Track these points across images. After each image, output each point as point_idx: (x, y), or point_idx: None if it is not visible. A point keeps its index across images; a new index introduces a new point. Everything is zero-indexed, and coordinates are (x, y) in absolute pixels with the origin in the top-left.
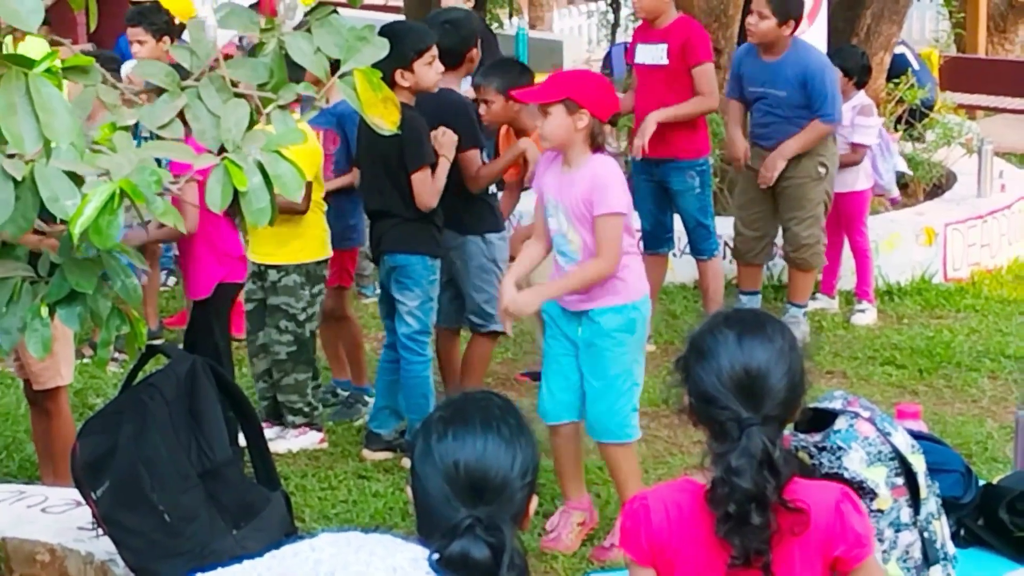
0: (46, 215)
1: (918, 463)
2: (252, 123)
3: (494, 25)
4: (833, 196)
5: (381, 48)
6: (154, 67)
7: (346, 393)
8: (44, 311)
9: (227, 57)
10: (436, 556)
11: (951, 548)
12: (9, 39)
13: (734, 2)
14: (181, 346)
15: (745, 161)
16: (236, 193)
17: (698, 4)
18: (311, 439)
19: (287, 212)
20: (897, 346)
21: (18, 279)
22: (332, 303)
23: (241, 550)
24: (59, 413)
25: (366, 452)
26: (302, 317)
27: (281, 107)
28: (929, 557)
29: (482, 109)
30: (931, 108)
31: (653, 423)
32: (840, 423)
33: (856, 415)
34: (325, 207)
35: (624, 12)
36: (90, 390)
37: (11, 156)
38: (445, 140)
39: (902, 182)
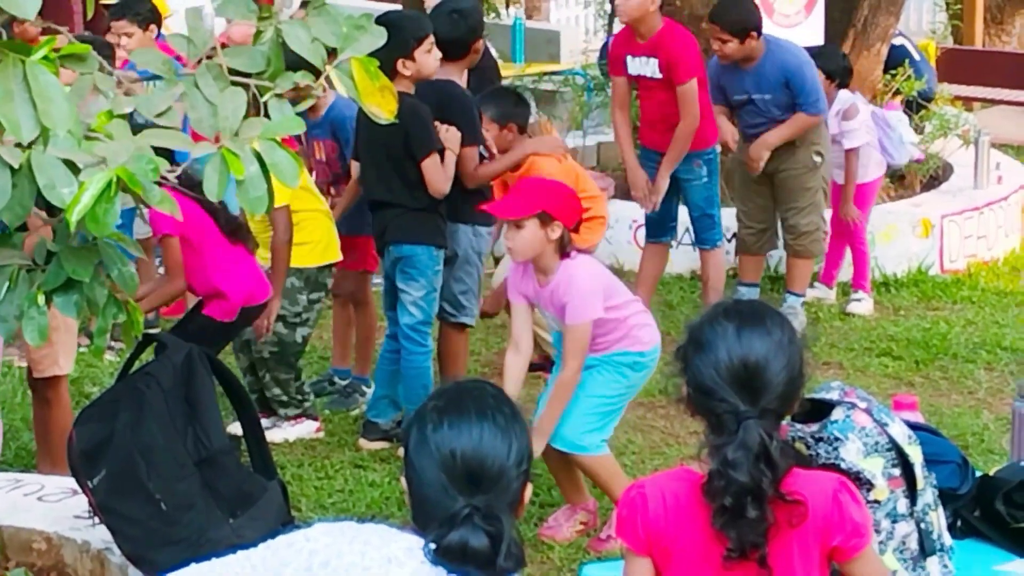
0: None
1: (915, 454)
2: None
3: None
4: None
5: (378, 36)
6: (151, 55)
7: (344, 382)
8: (41, 299)
9: (223, 46)
10: (433, 546)
11: (948, 539)
12: None
13: None
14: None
15: (747, 158)
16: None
17: (686, 4)
18: (307, 428)
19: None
20: (893, 337)
21: (15, 267)
22: (353, 286)
23: (237, 538)
24: (58, 402)
25: (363, 441)
26: (292, 320)
27: (278, 96)
28: (926, 548)
29: None
30: (930, 100)
31: (650, 414)
32: (837, 413)
33: (853, 406)
34: (330, 213)
35: None
36: (86, 379)
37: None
38: (449, 136)
39: (899, 173)
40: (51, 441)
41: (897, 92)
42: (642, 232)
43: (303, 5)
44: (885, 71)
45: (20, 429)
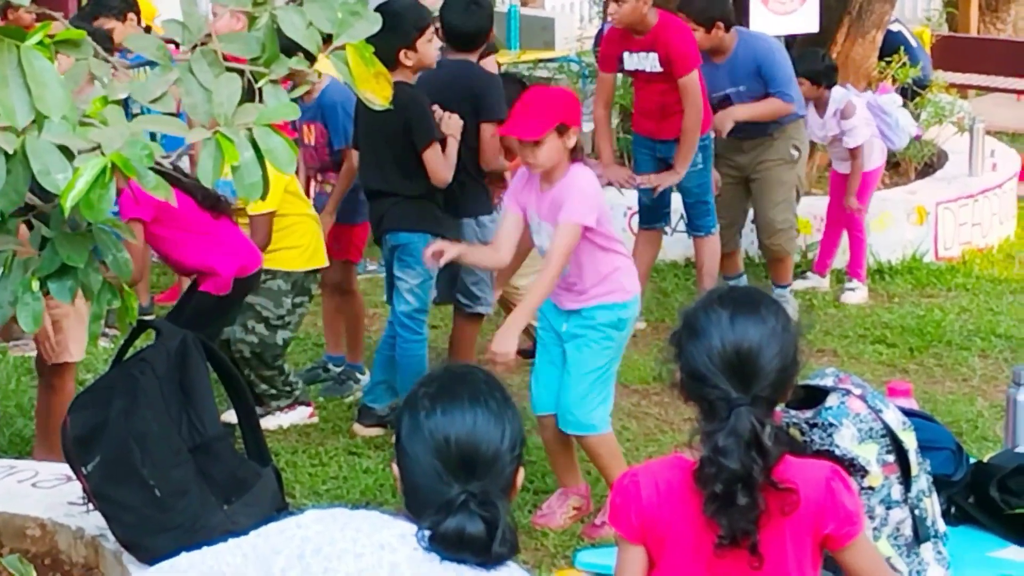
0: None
1: (909, 440)
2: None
3: None
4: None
5: (374, 22)
6: (145, 41)
7: (338, 369)
8: (35, 285)
9: None
10: (428, 532)
11: (942, 525)
12: None
13: None
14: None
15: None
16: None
17: None
18: (301, 414)
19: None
20: (888, 325)
21: (9, 253)
22: (338, 276)
23: (232, 525)
24: (63, 388)
25: (357, 427)
26: (275, 323)
27: (273, 81)
28: (920, 534)
29: None
30: (925, 87)
31: (644, 401)
32: (831, 400)
33: (847, 392)
34: (317, 218)
35: None
36: (81, 365)
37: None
38: (451, 122)
39: (894, 160)
40: (51, 428)
41: (892, 79)
42: (636, 220)
43: None
44: (881, 58)
45: (14, 416)
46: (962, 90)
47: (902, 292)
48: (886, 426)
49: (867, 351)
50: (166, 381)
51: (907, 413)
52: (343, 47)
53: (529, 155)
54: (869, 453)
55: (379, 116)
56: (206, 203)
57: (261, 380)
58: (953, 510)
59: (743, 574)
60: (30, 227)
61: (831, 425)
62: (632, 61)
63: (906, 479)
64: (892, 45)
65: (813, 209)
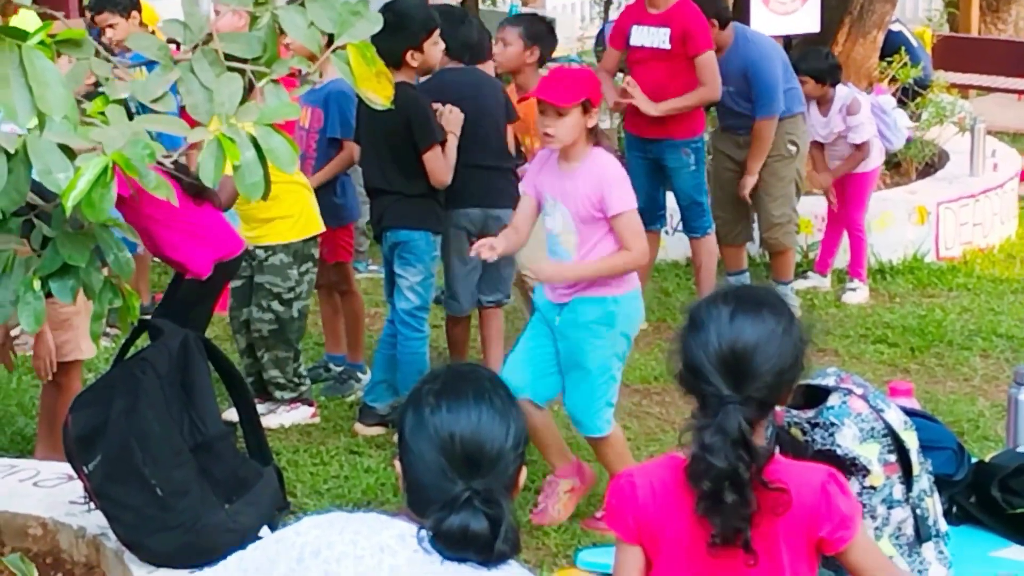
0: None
1: (911, 440)
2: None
3: (488, 2)
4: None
5: (375, 22)
6: (146, 40)
7: (339, 368)
8: (37, 284)
9: None
10: (430, 531)
11: (943, 525)
12: None
13: None
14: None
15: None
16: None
17: None
18: (303, 414)
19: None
20: (889, 324)
21: (10, 252)
22: (335, 278)
23: (233, 524)
24: (69, 387)
25: (359, 426)
26: (287, 296)
27: (274, 81)
28: (921, 534)
29: (497, 48)
30: (926, 87)
31: (645, 400)
32: (833, 399)
33: (849, 392)
34: (310, 185)
35: None
36: (82, 364)
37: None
38: (452, 118)
39: (895, 160)
40: (55, 426)
41: (893, 79)
42: None
43: None
44: (881, 58)
45: (15, 415)
46: (963, 90)
47: (903, 292)
48: (888, 426)
49: (868, 351)
50: (167, 380)
51: (908, 413)
52: (344, 47)
53: (551, 125)
54: (871, 453)
55: (380, 115)
56: (191, 190)
57: (274, 364)
58: (955, 510)
59: (738, 573)
60: (32, 226)
61: (833, 425)
62: (639, 35)
63: (908, 479)
64: (893, 45)
65: (814, 209)
